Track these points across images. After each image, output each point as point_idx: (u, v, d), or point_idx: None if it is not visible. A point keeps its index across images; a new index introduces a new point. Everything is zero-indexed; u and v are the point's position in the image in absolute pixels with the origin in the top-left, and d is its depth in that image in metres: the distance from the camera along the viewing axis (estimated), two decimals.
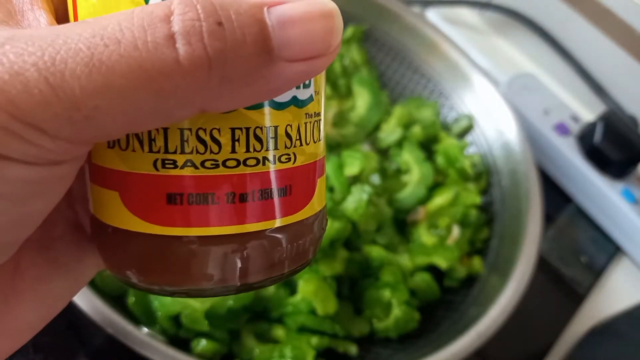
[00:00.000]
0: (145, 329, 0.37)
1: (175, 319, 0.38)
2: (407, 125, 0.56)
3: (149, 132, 0.15)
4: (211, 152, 0.15)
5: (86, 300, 0.35)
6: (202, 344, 0.38)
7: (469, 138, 0.57)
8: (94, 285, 0.38)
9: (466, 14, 0.84)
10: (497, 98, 0.56)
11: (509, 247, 0.48)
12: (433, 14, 0.77)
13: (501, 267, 0.48)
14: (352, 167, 0.49)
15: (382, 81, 0.62)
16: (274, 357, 0.40)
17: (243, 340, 0.41)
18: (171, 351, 0.35)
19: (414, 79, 0.61)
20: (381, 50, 0.62)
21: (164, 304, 0.38)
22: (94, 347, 0.42)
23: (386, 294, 0.45)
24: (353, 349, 0.43)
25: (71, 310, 0.42)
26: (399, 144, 0.54)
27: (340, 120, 0.55)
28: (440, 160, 0.54)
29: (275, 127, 0.16)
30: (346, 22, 0.61)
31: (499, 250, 0.49)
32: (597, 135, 0.61)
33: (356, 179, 0.50)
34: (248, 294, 0.40)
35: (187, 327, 0.38)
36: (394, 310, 0.44)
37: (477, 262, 0.49)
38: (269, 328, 0.42)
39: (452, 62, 0.58)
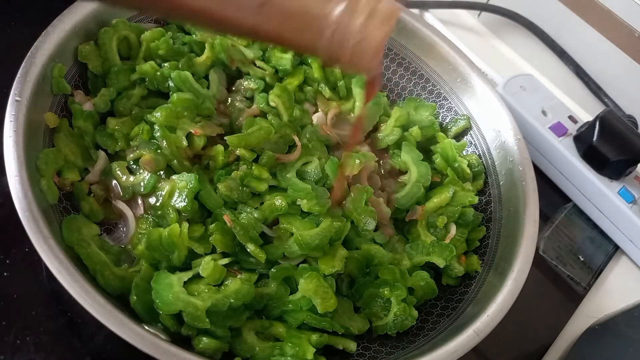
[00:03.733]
0: (147, 327, 0.38)
1: (177, 317, 0.39)
2: (405, 125, 0.56)
3: None
4: None
5: (88, 299, 0.35)
6: (204, 341, 0.39)
7: (466, 138, 0.58)
8: (96, 284, 0.39)
9: (464, 15, 0.84)
10: (494, 99, 0.56)
11: (507, 246, 0.49)
12: (431, 16, 0.78)
13: (499, 266, 0.48)
14: (352, 168, 0.50)
15: (381, 82, 0.63)
16: (274, 354, 0.40)
17: (244, 338, 0.41)
18: (173, 349, 0.35)
19: (412, 80, 0.62)
20: None
21: (166, 302, 0.38)
22: (96, 345, 0.42)
23: (385, 292, 0.45)
24: (352, 346, 0.44)
25: (73, 308, 0.43)
26: (398, 144, 0.55)
27: (339, 121, 0.55)
28: (438, 160, 0.54)
29: None
30: None
31: (497, 249, 0.50)
32: (595, 136, 0.62)
33: (355, 179, 0.51)
34: (249, 292, 0.41)
35: (188, 325, 0.39)
36: (392, 308, 0.45)
37: (474, 261, 0.50)
38: (269, 325, 0.42)
39: (450, 63, 0.59)
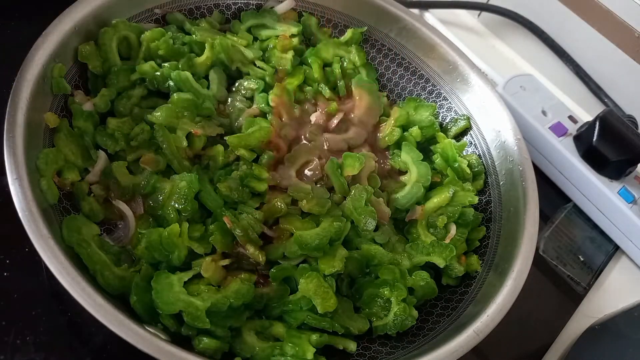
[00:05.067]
0: (147, 327, 0.38)
1: (177, 317, 0.39)
2: (405, 125, 0.56)
3: None
4: None
5: (88, 299, 0.35)
6: (204, 341, 0.39)
7: (466, 138, 0.58)
8: (96, 284, 0.39)
9: (464, 15, 0.84)
10: (494, 98, 0.56)
11: (507, 246, 0.49)
12: (431, 16, 0.78)
13: (499, 266, 0.48)
14: (352, 168, 0.50)
15: (381, 82, 0.63)
16: (274, 354, 0.40)
17: (244, 338, 0.41)
18: (173, 349, 0.35)
19: (412, 80, 0.62)
20: (380, 52, 0.62)
21: (166, 302, 0.38)
22: (96, 345, 0.42)
23: (385, 292, 0.45)
24: (352, 346, 0.44)
25: (73, 308, 0.43)
26: (398, 144, 0.55)
27: (340, 123, 0.55)
28: (438, 160, 0.54)
29: None
30: (346, 25, 0.62)
31: (497, 249, 0.50)
32: (595, 136, 0.62)
33: (355, 179, 0.51)
34: (249, 292, 0.41)
35: (188, 325, 0.39)
36: (392, 308, 0.45)
37: (474, 261, 0.50)
38: (269, 325, 0.42)
39: (451, 63, 0.59)
